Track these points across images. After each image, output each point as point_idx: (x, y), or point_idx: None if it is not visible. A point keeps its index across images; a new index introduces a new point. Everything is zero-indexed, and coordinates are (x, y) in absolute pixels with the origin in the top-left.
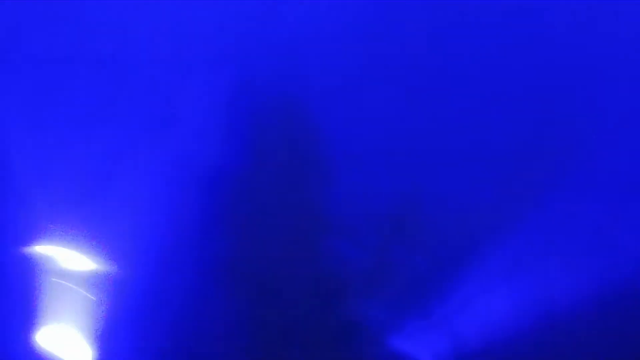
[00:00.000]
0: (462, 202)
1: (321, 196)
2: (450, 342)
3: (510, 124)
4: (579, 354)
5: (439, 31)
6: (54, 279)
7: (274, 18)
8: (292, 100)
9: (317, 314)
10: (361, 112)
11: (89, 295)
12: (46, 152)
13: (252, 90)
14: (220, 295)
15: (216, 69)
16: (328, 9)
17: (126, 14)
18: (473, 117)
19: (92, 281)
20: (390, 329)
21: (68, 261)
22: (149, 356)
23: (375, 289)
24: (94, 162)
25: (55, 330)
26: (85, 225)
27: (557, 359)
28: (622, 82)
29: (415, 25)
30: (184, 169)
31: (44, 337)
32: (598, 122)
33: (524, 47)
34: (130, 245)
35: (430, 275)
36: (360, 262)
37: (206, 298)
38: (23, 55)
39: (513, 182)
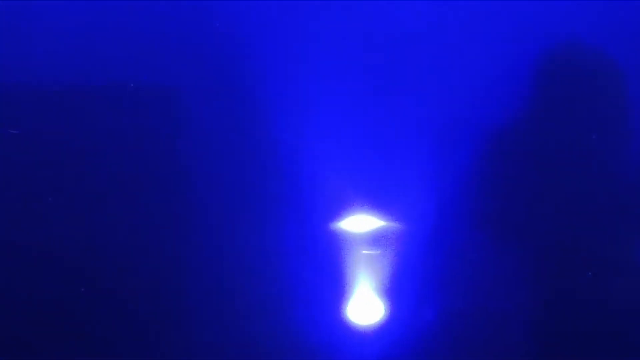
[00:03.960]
0: None
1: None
2: None
3: None
4: None
5: None
6: (356, 249)
7: None
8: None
9: None
10: None
11: (381, 255)
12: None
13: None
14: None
15: None
16: None
17: None
18: None
19: (382, 240)
20: None
21: (364, 226)
22: (435, 311)
23: None
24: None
25: (361, 299)
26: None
27: None
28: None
29: None
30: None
31: (352, 308)
32: None
33: None
34: (415, 201)
35: None
36: None
37: (488, 255)
38: None
39: None
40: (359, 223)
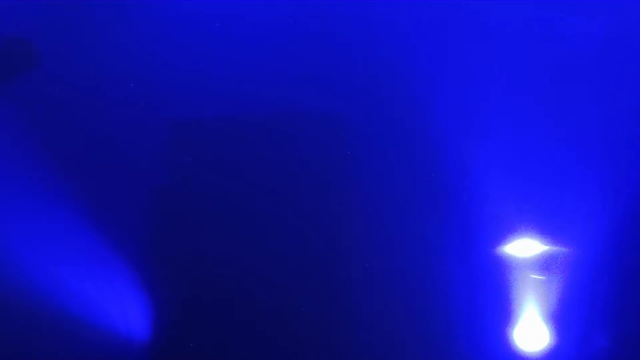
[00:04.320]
0: None
1: None
2: None
3: None
4: None
5: None
6: (521, 273)
7: None
8: None
9: None
10: None
11: (548, 280)
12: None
13: None
14: None
15: None
16: None
17: None
18: None
19: (550, 265)
20: None
21: (531, 250)
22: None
23: None
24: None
25: (528, 325)
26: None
27: None
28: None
29: None
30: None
31: (519, 334)
32: None
33: None
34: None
35: None
36: None
37: None
38: None
39: None
40: (526, 247)
